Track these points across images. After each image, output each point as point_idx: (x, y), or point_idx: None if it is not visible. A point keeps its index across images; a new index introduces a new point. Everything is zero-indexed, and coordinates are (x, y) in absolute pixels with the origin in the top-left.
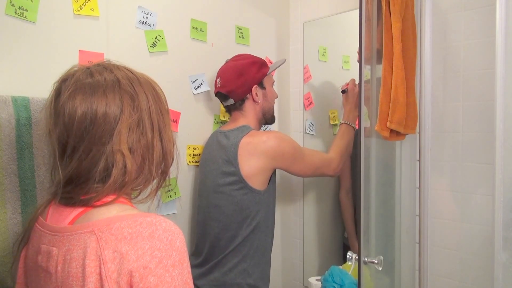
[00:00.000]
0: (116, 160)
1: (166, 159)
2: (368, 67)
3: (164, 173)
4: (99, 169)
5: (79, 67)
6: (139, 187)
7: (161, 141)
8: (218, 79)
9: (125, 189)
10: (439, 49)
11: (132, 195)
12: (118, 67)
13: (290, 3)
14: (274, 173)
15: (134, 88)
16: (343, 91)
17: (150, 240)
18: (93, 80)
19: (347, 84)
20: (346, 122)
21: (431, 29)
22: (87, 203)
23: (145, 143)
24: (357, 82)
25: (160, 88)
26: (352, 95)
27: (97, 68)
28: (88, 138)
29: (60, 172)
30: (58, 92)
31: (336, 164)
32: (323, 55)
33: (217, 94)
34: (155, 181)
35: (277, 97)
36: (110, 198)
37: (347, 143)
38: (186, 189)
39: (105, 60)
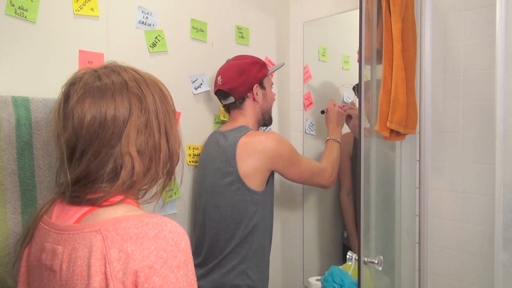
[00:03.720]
0: (125, 162)
1: (172, 160)
2: (368, 67)
3: (170, 173)
4: (107, 170)
5: (86, 70)
6: (145, 187)
7: (167, 141)
8: (219, 77)
9: (133, 189)
10: (439, 49)
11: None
12: (125, 69)
13: (290, 3)
14: (272, 175)
15: (141, 90)
16: (323, 112)
17: (156, 240)
18: (101, 83)
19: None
20: (331, 138)
21: (431, 29)
22: (94, 203)
23: (153, 144)
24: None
25: (166, 88)
26: (333, 113)
27: (104, 70)
28: (97, 142)
29: (68, 175)
30: (66, 96)
31: (329, 174)
32: (323, 55)
33: (218, 92)
34: (160, 181)
35: (274, 99)
36: (117, 198)
37: (337, 156)
38: (186, 189)
39: (111, 61)
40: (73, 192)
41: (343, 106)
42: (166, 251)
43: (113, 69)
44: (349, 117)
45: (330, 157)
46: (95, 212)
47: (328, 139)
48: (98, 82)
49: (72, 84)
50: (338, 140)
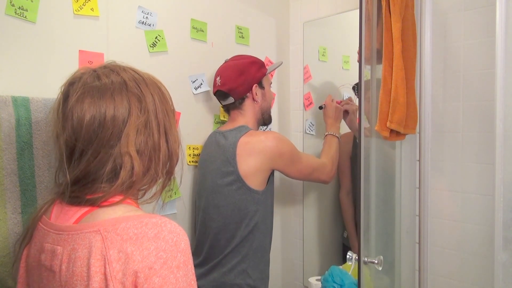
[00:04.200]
0: (124, 162)
1: (171, 160)
2: (368, 67)
3: (169, 173)
4: (106, 170)
5: (85, 70)
6: (145, 187)
7: (167, 141)
8: (218, 78)
9: (132, 190)
10: (439, 49)
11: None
12: (124, 69)
13: (290, 3)
14: (272, 174)
15: (140, 90)
16: (321, 107)
17: (156, 241)
18: (100, 83)
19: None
20: (330, 133)
21: (431, 29)
22: (93, 203)
23: (152, 144)
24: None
25: (165, 88)
26: (331, 109)
27: (104, 70)
28: (96, 142)
29: (68, 175)
30: (66, 96)
31: (329, 169)
32: (323, 55)
33: (217, 92)
34: (160, 181)
35: (272, 98)
36: (117, 198)
37: (336, 151)
38: (186, 189)
39: (110, 61)
40: (72, 193)
41: (341, 101)
42: (165, 251)
43: (112, 69)
44: (346, 113)
45: (329, 152)
46: (94, 212)
47: (326, 135)
48: (98, 82)
49: (71, 84)
50: (337, 135)
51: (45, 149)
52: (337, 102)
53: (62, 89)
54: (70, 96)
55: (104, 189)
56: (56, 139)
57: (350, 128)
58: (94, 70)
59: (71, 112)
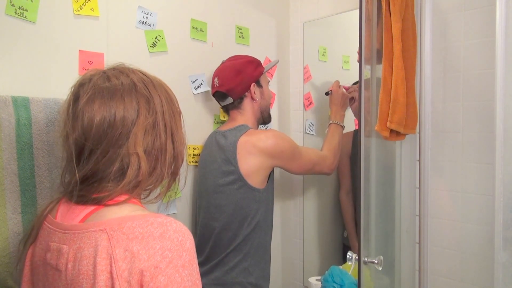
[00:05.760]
0: (132, 161)
1: (177, 160)
2: (368, 67)
3: (174, 174)
4: (113, 169)
5: (95, 71)
6: (150, 187)
7: (173, 143)
8: (216, 79)
9: (138, 189)
10: (439, 49)
11: (142, 195)
12: (133, 71)
13: (290, 3)
14: (272, 171)
15: (149, 91)
16: (327, 93)
17: (161, 240)
18: (110, 84)
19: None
20: (334, 121)
21: (431, 29)
22: (99, 202)
23: (159, 145)
24: (343, 83)
25: (171, 90)
26: (337, 96)
27: (113, 72)
28: (106, 141)
29: (77, 174)
30: (76, 96)
31: (331, 161)
32: (323, 55)
33: (215, 93)
34: (164, 181)
35: (271, 96)
36: (122, 197)
37: (338, 141)
38: (186, 189)
39: (118, 63)
40: (79, 191)
41: (348, 87)
42: (171, 250)
43: (122, 70)
44: (352, 99)
45: (332, 143)
46: (100, 211)
47: (330, 123)
48: (108, 83)
49: (81, 85)
50: (341, 124)
51: (45, 149)
52: (344, 88)
53: (72, 90)
54: (80, 97)
55: (110, 188)
56: (66, 138)
57: (355, 115)
58: (104, 72)
59: (81, 112)
